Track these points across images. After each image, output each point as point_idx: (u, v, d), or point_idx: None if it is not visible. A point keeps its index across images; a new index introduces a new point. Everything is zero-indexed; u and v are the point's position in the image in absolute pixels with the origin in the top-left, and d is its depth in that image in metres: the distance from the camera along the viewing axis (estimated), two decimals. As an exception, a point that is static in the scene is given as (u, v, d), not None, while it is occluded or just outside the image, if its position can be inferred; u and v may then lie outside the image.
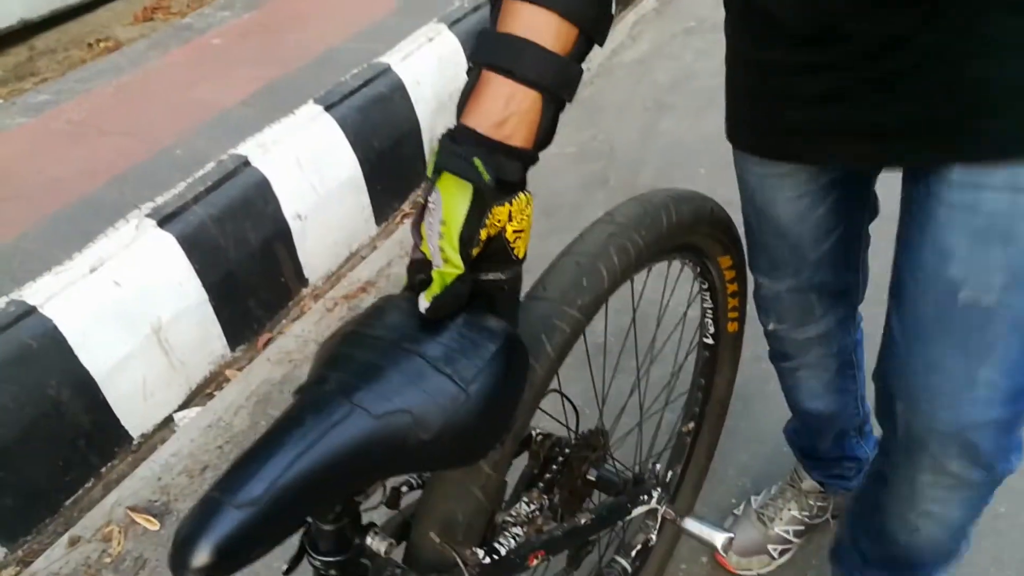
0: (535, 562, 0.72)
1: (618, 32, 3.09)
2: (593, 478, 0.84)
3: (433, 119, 2.37)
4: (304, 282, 2.07)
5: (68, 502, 1.59)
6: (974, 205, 0.68)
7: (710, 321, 1.07)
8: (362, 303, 1.98)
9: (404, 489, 0.68)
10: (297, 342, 1.86)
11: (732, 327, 1.08)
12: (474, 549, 0.65)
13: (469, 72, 0.60)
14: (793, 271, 0.97)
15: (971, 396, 0.75)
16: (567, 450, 0.83)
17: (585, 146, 2.44)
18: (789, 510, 1.28)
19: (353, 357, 0.52)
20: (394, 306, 0.58)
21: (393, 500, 0.66)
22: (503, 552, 0.69)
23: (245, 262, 1.89)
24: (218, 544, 0.43)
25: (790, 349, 1.08)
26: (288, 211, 1.97)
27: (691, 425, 1.16)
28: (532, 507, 0.74)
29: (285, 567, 0.60)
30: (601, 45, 0.61)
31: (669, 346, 1.08)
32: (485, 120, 0.56)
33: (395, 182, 2.30)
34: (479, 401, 0.52)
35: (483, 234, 0.56)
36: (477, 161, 0.54)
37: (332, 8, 2.82)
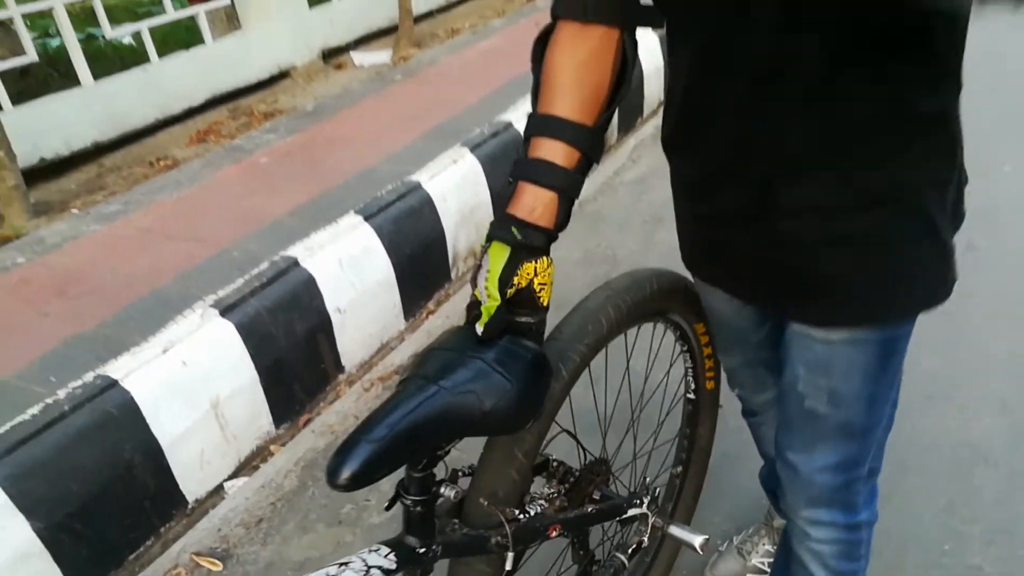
0: (554, 534, 0.95)
1: (620, 155, 3.46)
2: (597, 497, 1.07)
3: (456, 229, 2.68)
4: (341, 369, 2.32)
5: (131, 557, 1.78)
6: (808, 347, 0.97)
7: (691, 379, 1.32)
8: (395, 384, 2.22)
9: (460, 472, 0.92)
10: (338, 416, 2.09)
11: (710, 385, 1.33)
12: (511, 509, 0.89)
13: (508, 185, 0.88)
14: (740, 352, 1.22)
15: (814, 467, 1.05)
16: (577, 474, 1.07)
17: (591, 252, 2.74)
18: (763, 544, 1.49)
19: (436, 360, 0.79)
20: (458, 331, 0.85)
21: (453, 478, 0.90)
22: (531, 514, 0.93)
23: (292, 349, 2.15)
24: (355, 466, 0.68)
25: (754, 408, 1.32)
26: (330, 305, 2.24)
27: (679, 469, 1.39)
28: (551, 491, 0.98)
29: (386, 504, 0.84)
30: (598, 163, 0.89)
31: (659, 394, 1.33)
32: (520, 210, 0.84)
33: (423, 283, 2.59)
34: (519, 390, 0.78)
35: (516, 281, 0.82)
36: (514, 229, 0.82)
37: (367, 134, 3.20)
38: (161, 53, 3.66)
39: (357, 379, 2.32)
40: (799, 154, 0.81)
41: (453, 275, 2.72)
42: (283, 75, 4.15)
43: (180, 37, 4.41)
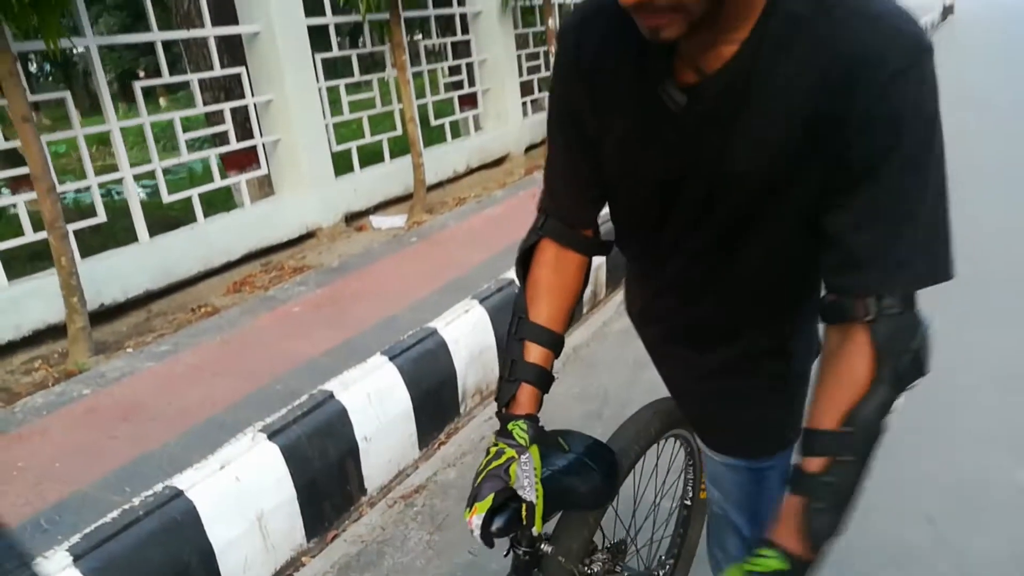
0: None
1: (609, 308, 3.92)
2: (619, 568, 1.40)
3: (466, 369, 3.07)
4: (364, 491, 2.63)
5: (182, 651, 2.02)
6: (709, 460, 1.30)
7: (690, 488, 1.68)
8: (416, 502, 2.53)
9: (544, 536, 1.25)
10: (367, 528, 2.38)
11: (703, 495, 1.68)
12: (577, 565, 1.23)
13: (511, 382, 1.08)
14: None
15: (725, 554, 1.37)
16: (616, 546, 1.41)
17: (585, 389, 3.12)
18: None
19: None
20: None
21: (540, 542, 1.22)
22: (594, 570, 1.27)
23: (325, 471, 2.47)
24: (502, 522, 0.99)
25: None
26: (359, 434, 2.58)
27: (672, 561, 1.71)
28: (602, 555, 1.33)
29: (505, 553, 1.15)
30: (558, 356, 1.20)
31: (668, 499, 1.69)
32: (532, 408, 1.09)
33: (436, 416, 2.94)
34: (604, 480, 1.10)
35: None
36: (528, 425, 1.07)
37: (388, 287, 3.66)
38: (207, 214, 4.19)
39: (377, 500, 2.62)
40: (709, 340, 1.16)
41: (462, 410, 3.07)
42: (310, 235, 4.67)
43: (222, 200, 4.97)
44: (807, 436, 0.90)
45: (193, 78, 4.16)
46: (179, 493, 2.11)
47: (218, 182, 4.27)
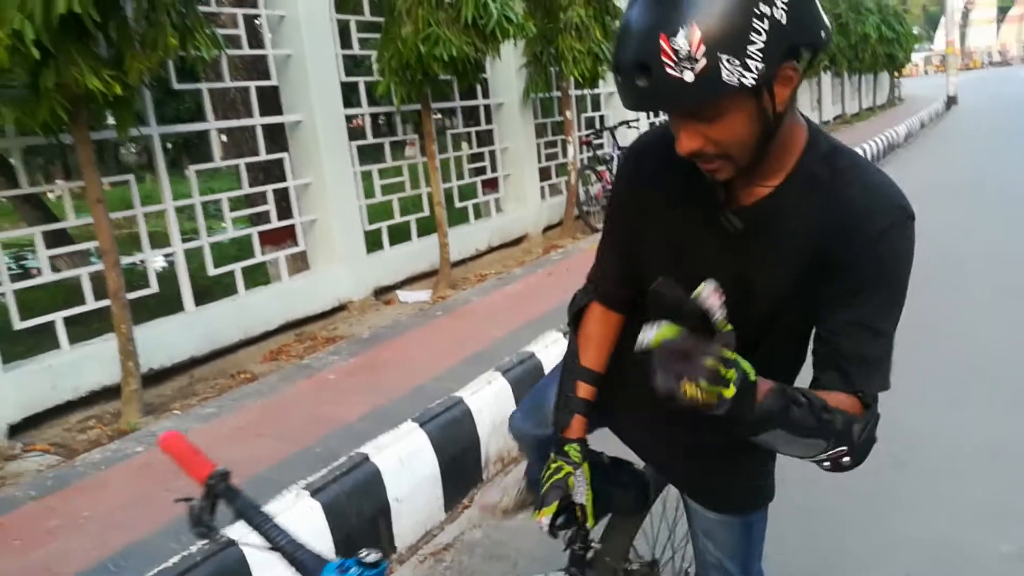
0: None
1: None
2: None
3: (488, 438, 3.29)
4: (394, 549, 2.83)
5: None
6: (703, 518, 1.46)
7: None
8: (445, 558, 2.72)
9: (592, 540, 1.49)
10: (400, 583, 2.58)
11: None
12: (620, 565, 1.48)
13: (567, 413, 1.41)
14: None
15: None
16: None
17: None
18: None
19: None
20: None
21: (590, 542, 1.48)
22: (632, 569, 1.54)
23: (359, 527, 2.68)
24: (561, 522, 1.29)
25: None
26: (391, 495, 2.80)
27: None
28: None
29: (564, 547, 1.43)
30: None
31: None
32: (582, 433, 1.42)
33: (461, 481, 3.15)
34: (638, 492, 1.39)
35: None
36: (580, 447, 1.38)
37: (416, 358, 3.92)
38: (247, 287, 4.50)
39: (407, 558, 2.82)
40: (688, 440, 1.34)
41: (485, 476, 3.29)
42: (342, 307, 4.97)
43: (262, 274, 5.30)
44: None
45: (241, 162, 4.54)
46: (231, 543, 2.32)
47: (258, 257, 4.60)
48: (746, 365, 0.93)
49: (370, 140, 5.49)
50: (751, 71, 0.94)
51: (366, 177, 5.38)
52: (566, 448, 1.36)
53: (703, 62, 0.92)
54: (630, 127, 8.35)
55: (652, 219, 1.25)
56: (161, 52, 3.07)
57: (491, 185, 6.94)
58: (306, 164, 4.90)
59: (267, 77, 4.74)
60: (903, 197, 1.10)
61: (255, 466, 2.81)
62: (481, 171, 6.79)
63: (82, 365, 3.60)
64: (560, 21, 6.15)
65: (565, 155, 7.56)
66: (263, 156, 4.64)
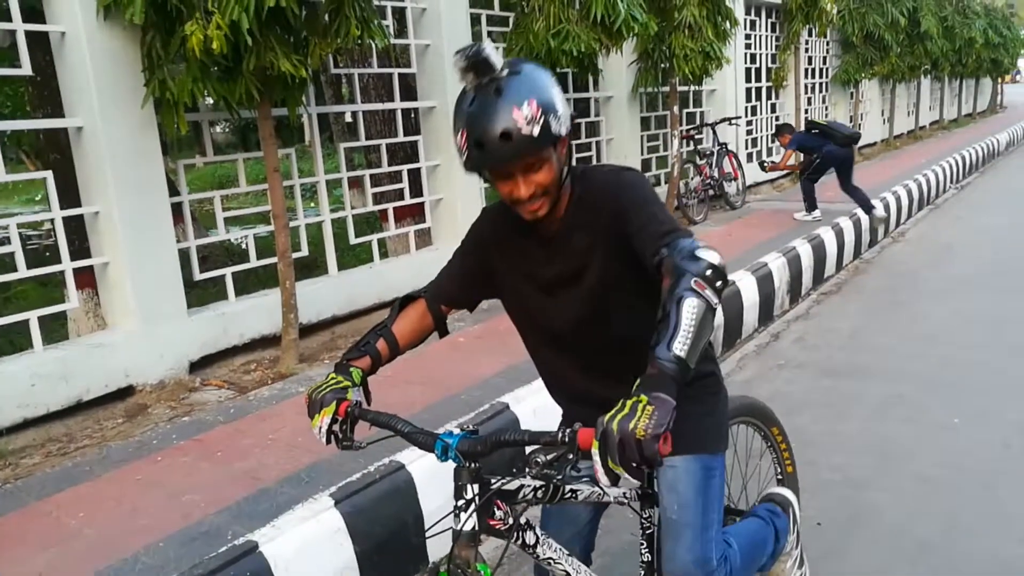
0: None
1: (730, 362, 4.41)
2: None
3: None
4: (527, 489, 3.18)
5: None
6: (667, 472, 1.62)
7: (777, 464, 2.18)
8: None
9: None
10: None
11: (789, 468, 2.18)
12: None
13: (362, 348, 1.65)
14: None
15: (683, 557, 1.61)
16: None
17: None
18: None
19: None
20: None
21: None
22: None
23: (498, 468, 3.04)
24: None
25: None
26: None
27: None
28: None
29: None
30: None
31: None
32: (363, 365, 1.64)
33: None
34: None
35: None
36: None
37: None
38: (382, 257, 4.93)
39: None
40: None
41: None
42: (461, 280, 5.35)
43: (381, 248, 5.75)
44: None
45: (382, 143, 4.98)
46: (401, 466, 2.71)
47: (392, 231, 5.03)
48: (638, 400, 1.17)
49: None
50: (563, 124, 1.40)
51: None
52: (351, 370, 1.58)
53: (542, 120, 1.35)
54: (731, 123, 8.51)
55: (499, 258, 1.65)
56: (340, 40, 3.48)
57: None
58: (435, 147, 5.29)
59: (407, 65, 5.17)
60: (616, 167, 1.59)
61: (409, 408, 3.19)
62: (587, 161, 7.09)
63: (247, 315, 4.07)
64: (674, 20, 6.38)
65: (667, 148, 7.79)
66: (401, 137, 5.05)
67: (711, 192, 7.99)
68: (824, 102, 12.19)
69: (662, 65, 6.88)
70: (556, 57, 4.94)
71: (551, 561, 1.53)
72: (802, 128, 7.92)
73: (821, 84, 12.06)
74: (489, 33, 5.68)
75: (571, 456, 1.21)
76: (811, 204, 7.27)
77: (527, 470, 1.26)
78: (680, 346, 1.19)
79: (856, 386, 3.99)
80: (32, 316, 3.38)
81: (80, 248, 3.76)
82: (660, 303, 1.27)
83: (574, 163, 1.57)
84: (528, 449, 1.27)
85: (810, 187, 7.26)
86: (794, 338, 4.84)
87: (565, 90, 6.46)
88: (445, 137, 5.26)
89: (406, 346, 1.72)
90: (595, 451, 1.13)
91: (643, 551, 1.79)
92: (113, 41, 3.43)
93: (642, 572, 1.80)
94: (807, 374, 4.19)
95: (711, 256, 1.30)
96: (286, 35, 3.47)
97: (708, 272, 1.27)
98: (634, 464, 1.11)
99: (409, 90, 5.28)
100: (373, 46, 4.61)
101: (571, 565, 1.57)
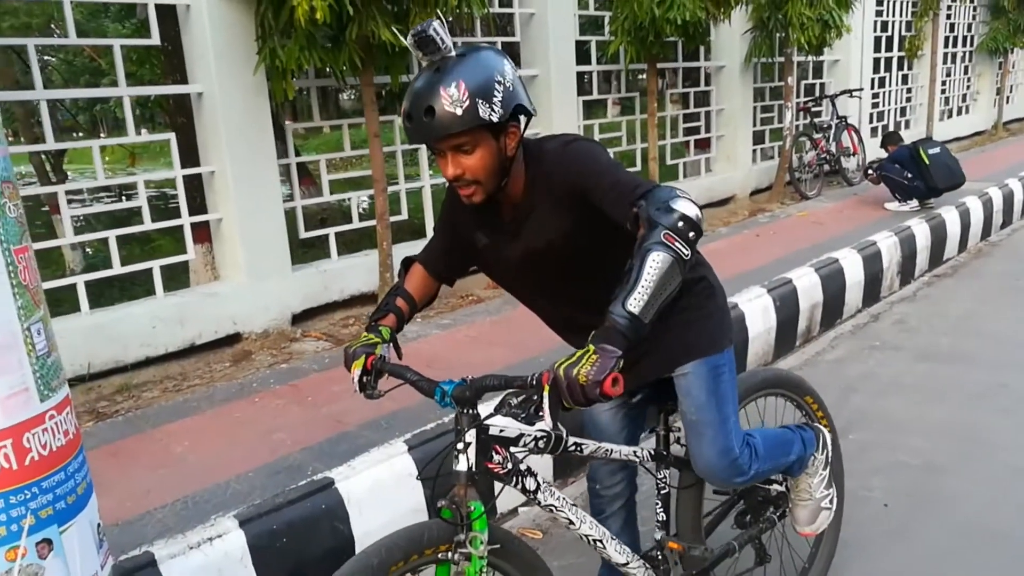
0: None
1: (822, 342, 4.28)
2: None
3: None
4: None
5: None
6: (680, 380, 1.73)
7: None
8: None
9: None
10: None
11: (823, 422, 2.17)
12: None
13: (385, 308, 1.74)
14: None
15: (708, 452, 1.73)
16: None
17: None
18: None
19: None
20: None
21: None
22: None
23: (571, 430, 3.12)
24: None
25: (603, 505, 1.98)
26: (601, 404, 3.21)
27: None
28: None
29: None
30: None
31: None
32: (389, 323, 2.12)
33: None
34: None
35: None
36: None
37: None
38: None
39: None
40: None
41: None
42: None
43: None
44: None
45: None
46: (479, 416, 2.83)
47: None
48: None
49: (596, 96, 5.85)
50: (495, 112, 1.40)
51: (587, 130, 5.76)
52: (380, 328, 1.66)
53: (467, 103, 1.38)
54: (852, 96, 8.09)
55: (468, 231, 1.70)
56: (440, 8, 3.58)
57: (702, 145, 7.08)
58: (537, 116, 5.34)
59: (512, 34, 5.23)
60: (562, 137, 1.60)
61: (489, 367, 3.30)
62: (695, 131, 6.95)
63: (347, 273, 4.31)
64: (791, -14, 6.13)
65: (781, 120, 7.51)
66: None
67: (827, 167, 7.65)
68: (966, 73, 11.35)
69: (777, 34, 6.62)
70: (661, 25, 4.87)
71: (553, 508, 1.60)
72: (906, 144, 6.29)
73: (964, 54, 11.22)
74: (592, 2, 5.66)
75: (535, 398, 1.32)
76: (903, 192, 6.17)
77: (500, 409, 1.38)
78: (635, 303, 1.29)
79: (955, 372, 3.79)
80: (155, 265, 3.73)
81: (200, 205, 4.08)
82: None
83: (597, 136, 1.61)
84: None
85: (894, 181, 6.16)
86: (894, 320, 4.63)
87: (673, 59, 6.35)
88: (547, 106, 5.31)
89: (422, 301, 1.83)
90: (545, 393, 1.29)
91: (658, 510, 1.84)
92: (231, 12, 3.68)
93: (657, 528, 1.85)
94: (902, 357, 4.02)
95: (685, 207, 1.35)
96: (388, 4, 3.61)
97: (680, 224, 1.33)
98: (580, 404, 1.27)
99: (513, 59, 5.34)
100: (475, 16, 4.70)
101: (575, 514, 1.63)
